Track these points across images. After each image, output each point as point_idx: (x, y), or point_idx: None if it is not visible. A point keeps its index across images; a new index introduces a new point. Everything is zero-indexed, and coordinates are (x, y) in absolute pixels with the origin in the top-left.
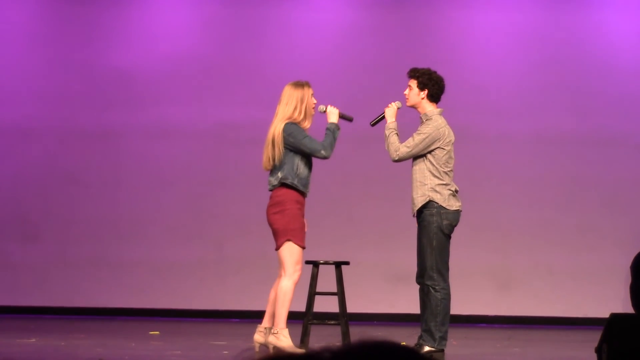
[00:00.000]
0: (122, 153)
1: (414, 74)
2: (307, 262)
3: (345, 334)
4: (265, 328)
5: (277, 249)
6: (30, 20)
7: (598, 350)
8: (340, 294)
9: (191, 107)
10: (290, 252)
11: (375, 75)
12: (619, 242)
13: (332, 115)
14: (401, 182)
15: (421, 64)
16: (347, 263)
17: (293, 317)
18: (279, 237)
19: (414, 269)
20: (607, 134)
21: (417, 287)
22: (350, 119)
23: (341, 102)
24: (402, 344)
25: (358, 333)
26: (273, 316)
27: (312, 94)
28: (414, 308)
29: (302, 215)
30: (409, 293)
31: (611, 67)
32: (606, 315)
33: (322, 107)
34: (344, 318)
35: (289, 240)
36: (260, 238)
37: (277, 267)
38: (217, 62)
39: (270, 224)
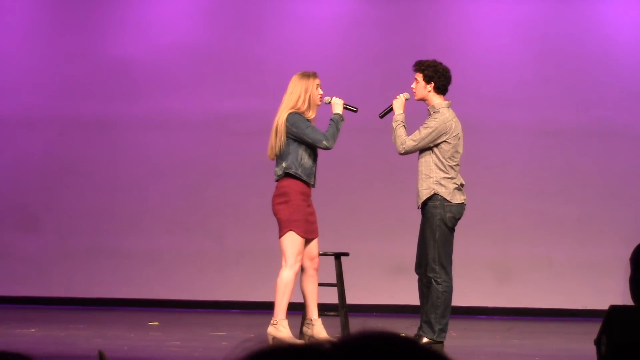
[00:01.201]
0: (121, 143)
1: (419, 67)
2: None
3: (345, 325)
4: (311, 319)
5: (280, 238)
6: (30, 10)
7: (597, 342)
8: (340, 285)
9: (191, 97)
10: (292, 243)
11: (375, 66)
12: (619, 233)
13: (337, 106)
14: (401, 173)
15: (421, 56)
16: (346, 254)
17: (293, 308)
18: (281, 227)
19: (414, 260)
20: (608, 126)
21: (417, 278)
22: (355, 110)
23: (340, 94)
24: (401, 334)
25: (358, 324)
26: (311, 306)
27: (318, 85)
28: (414, 299)
29: (308, 206)
30: (408, 284)
31: (612, 59)
32: (605, 307)
33: (327, 99)
34: (343, 309)
35: (291, 230)
36: (260, 229)
37: (277, 258)
38: (216, 53)
39: (275, 214)
